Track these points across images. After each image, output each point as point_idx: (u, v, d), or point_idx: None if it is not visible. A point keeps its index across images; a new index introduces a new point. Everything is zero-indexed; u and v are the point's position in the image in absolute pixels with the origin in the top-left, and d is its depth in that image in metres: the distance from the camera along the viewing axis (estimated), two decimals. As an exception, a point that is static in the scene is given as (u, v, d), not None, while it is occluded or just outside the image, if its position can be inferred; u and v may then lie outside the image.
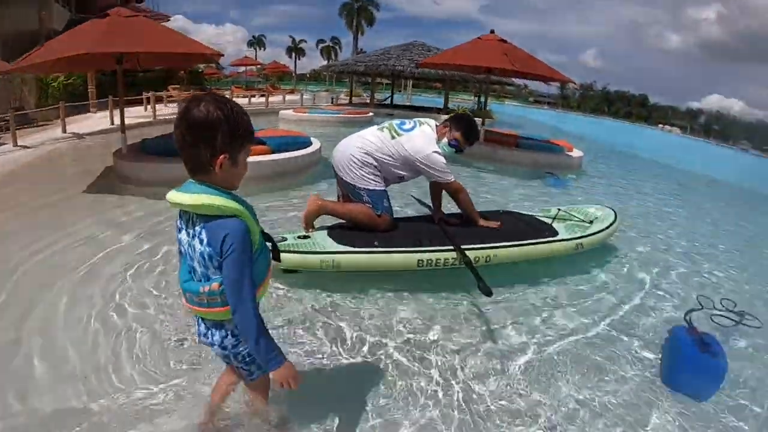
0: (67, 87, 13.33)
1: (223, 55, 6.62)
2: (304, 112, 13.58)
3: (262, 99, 17.90)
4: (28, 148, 7.82)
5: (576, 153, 9.39)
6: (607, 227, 3.96)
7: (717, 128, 66.31)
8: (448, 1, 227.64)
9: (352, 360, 2.30)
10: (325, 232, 3.19)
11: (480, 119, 16.83)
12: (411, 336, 2.56)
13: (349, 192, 3.28)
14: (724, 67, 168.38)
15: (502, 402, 2.08)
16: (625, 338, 2.79)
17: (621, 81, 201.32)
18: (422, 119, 3.39)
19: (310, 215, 3.22)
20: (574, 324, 2.89)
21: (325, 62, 52.36)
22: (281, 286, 2.97)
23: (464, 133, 3.26)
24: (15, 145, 7.84)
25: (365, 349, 2.40)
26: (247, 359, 1.47)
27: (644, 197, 7.63)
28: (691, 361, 2.37)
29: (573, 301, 3.22)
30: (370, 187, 3.17)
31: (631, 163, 13.28)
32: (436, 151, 3.14)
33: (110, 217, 4.28)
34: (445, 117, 3.47)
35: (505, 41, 8.82)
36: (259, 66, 31.03)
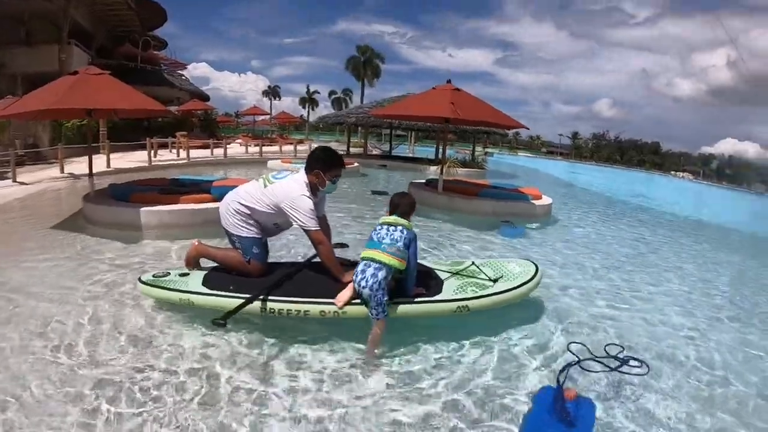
0: (81, 128, 14.64)
1: (170, 111, 7.47)
2: (290, 162, 14.45)
3: (260, 149, 19.27)
4: (25, 184, 8.89)
5: (543, 201, 9.16)
6: (515, 287, 3.57)
7: (729, 172, 66.05)
8: (462, 54, 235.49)
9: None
10: (204, 273, 3.49)
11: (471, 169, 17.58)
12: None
13: (228, 238, 3.56)
14: (736, 111, 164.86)
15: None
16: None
17: (634, 130, 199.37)
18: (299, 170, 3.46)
19: (190, 258, 3.66)
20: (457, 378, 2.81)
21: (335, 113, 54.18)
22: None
23: (331, 165, 3.37)
24: (14, 181, 8.94)
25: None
26: (379, 303, 2.87)
27: (602, 244, 7.44)
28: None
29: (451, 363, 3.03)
30: (242, 234, 3.40)
31: (611, 208, 12.87)
32: (304, 195, 3.24)
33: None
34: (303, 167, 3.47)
35: (458, 90, 9.00)
36: (268, 116, 33.51)
